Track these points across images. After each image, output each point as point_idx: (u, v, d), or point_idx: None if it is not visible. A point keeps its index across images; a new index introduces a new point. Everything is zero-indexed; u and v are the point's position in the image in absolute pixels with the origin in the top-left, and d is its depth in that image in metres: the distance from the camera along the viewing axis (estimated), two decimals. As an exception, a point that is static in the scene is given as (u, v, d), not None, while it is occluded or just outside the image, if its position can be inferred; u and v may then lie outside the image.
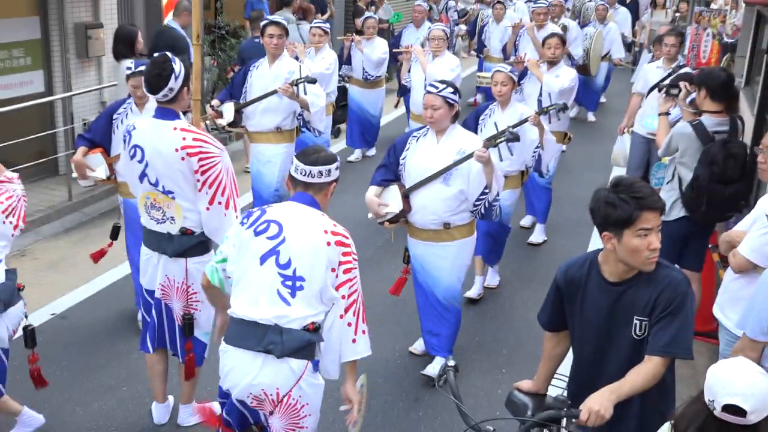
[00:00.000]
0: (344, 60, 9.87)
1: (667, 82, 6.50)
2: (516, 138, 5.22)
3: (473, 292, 6.47)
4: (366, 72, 9.90)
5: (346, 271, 3.40)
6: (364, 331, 3.50)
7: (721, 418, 2.54)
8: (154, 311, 4.45)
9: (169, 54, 4.31)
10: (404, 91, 9.07)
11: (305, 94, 6.72)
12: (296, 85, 6.68)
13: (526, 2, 14.00)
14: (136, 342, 5.31)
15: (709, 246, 5.72)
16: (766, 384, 2.56)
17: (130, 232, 5.59)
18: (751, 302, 3.48)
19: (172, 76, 4.14)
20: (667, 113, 6.04)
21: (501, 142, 5.24)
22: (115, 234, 5.76)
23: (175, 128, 4.14)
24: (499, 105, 6.14)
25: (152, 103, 5.20)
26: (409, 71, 8.46)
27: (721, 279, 5.11)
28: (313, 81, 6.76)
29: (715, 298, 5.35)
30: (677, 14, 15.01)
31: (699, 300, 5.61)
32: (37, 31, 8.58)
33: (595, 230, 3.16)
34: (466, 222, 5.06)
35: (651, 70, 7.76)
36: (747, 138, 5.51)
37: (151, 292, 4.45)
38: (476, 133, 5.71)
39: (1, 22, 8.11)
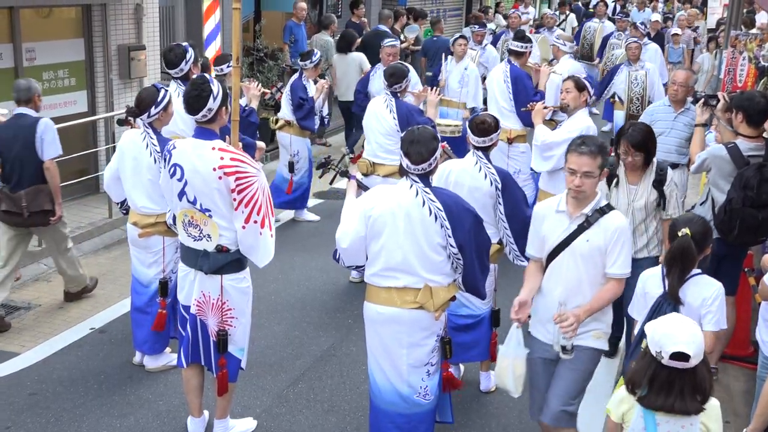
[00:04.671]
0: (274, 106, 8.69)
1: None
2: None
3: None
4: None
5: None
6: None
7: (668, 365, 2.99)
8: (189, 326, 4.53)
9: (207, 75, 4.46)
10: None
11: None
12: None
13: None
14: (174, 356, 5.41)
15: (745, 270, 5.67)
16: (701, 334, 3.08)
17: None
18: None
19: (211, 97, 4.25)
20: (704, 124, 5.95)
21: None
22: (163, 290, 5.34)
23: (213, 148, 4.23)
24: None
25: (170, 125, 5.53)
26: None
27: (757, 303, 5.08)
28: None
29: (749, 321, 5.31)
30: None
31: (733, 324, 5.55)
32: (81, 53, 8.82)
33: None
34: None
35: None
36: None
37: (187, 308, 4.53)
38: None
39: (47, 44, 8.36)
